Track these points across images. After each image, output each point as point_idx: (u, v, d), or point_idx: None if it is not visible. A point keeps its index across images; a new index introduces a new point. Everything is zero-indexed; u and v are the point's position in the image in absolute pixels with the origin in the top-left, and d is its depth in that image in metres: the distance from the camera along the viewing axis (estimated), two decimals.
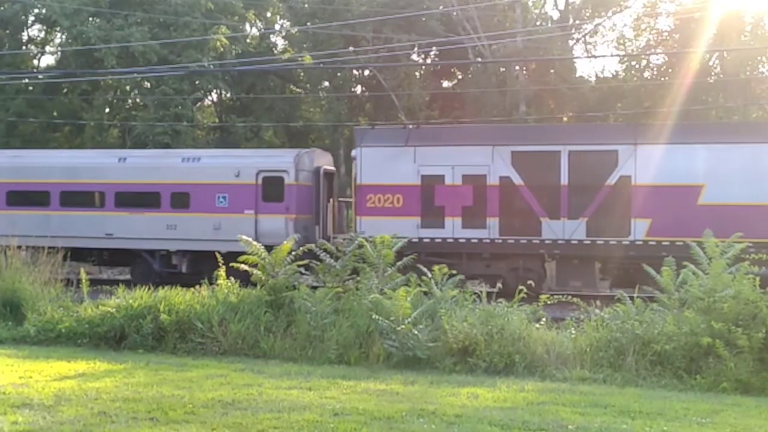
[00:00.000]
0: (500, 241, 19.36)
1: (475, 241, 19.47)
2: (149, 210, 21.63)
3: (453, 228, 19.44)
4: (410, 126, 21.74)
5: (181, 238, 21.41)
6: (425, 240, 19.34)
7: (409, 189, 19.84)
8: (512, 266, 19.45)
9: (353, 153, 20.72)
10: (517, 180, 19.35)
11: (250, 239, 13.55)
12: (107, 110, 38.87)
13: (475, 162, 19.58)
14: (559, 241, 19.06)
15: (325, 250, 13.87)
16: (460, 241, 19.47)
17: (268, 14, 42.79)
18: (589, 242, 18.92)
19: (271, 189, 21.02)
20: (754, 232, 17.02)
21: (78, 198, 22.20)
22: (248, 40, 40.12)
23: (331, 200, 21.84)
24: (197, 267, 21.29)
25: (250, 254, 13.18)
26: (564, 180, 19.09)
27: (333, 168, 22.89)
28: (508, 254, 19.42)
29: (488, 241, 19.38)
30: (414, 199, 19.79)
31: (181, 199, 21.51)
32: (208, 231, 21.09)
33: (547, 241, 19.13)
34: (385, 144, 20.34)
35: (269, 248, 20.40)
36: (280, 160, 21.74)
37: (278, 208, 20.89)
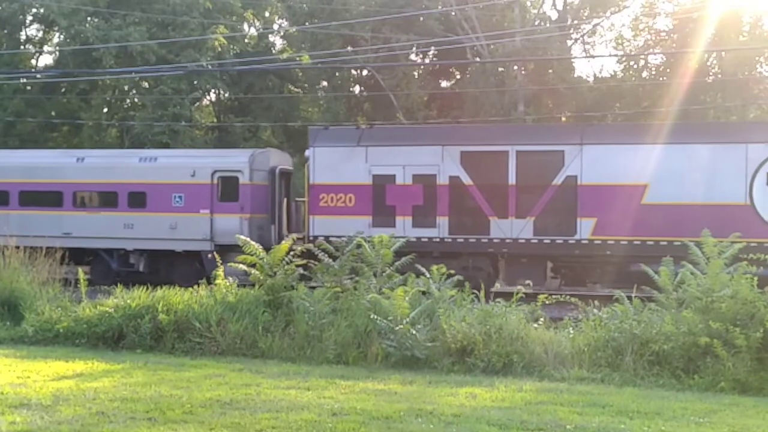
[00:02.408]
0: (450, 240, 19.59)
1: (426, 240, 19.63)
2: (107, 209, 21.88)
3: (404, 227, 19.60)
4: (363, 126, 21.92)
5: (138, 238, 21.62)
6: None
7: (361, 188, 20.09)
8: (462, 265, 19.49)
9: (307, 153, 20.98)
10: (467, 180, 19.62)
11: (248, 239, 13.51)
12: (105, 110, 38.83)
13: (425, 162, 19.85)
14: (507, 240, 19.31)
15: (323, 250, 13.86)
16: (411, 240, 19.59)
17: (267, 14, 42.76)
18: (536, 241, 19.18)
19: (226, 189, 21.30)
20: (696, 231, 17.60)
21: (37, 198, 22.37)
22: (246, 40, 40.10)
23: (286, 200, 21.96)
24: (155, 266, 21.73)
25: (247, 254, 13.12)
26: (512, 180, 19.34)
27: (290, 168, 23.11)
28: (457, 253, 19.56)
29: (438, 240, 19.55)
30: (366, 198, 20.05)
31: (138, 199, 21.76)
32: (165, 230, 21.37)
33: (495, 240, 19.37)
34: (337, 144, 20.59)
35: (224, 247, 20.63)
36: (235, 160, 21.96)
37: (233, 208, 21.14)
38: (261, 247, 13.21)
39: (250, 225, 21.00)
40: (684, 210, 18.16)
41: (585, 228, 18.83)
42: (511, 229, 19.26)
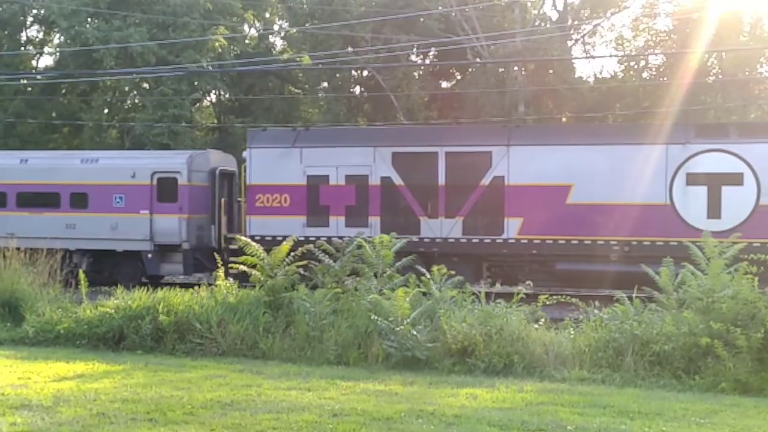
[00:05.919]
0: None
1: None
2: (49, 210, 22.06)
3: (337, 227, 19.78)
4: (299, 128, 22.08)
5: (80, 238, 21.83)
6: (311, 238, 19.23)
7: (296, 189, 20.34)
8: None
9: (244, 154, 21.27)
10: (398, 180, 19.85)
11: (248, 240, 13.51)
12: (106, 111, 38.88)
13: (358, 162, 20.09)
14: (438, 240, 19.52)
15: (324, 251, 13.87)
16: (344, 239, 19.65)
17: (267, 15, 42.79)
18: (465, 240, 19.39)
19: (165, 189, 21.54)
20: (619, 230, 18.25)
21: None
22: (247, 41, 40.14)
23: (224, 200, 22.09)
24: (97, 266, 21.86)
25: (248, 255, 13.11)
26: (441, 180, 19.58)
27: (232, 169, 23.24)
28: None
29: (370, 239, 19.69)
30: (300, 198, 20.30)
31: (79, 200, 22.00)
32: (106, 230, 21.63)
33: (426, 240, 19.55)
34: (273, 145, 20.84)
35: (164, 247, 21.25)
36: (173, 161, 22.20)
37: (172, 208, 21.39)
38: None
39: (189, 225, 21.33)
40: (607, 210, 18.42)
41: (512, 227, 19.08)
42: (441, 228, 19.49)
